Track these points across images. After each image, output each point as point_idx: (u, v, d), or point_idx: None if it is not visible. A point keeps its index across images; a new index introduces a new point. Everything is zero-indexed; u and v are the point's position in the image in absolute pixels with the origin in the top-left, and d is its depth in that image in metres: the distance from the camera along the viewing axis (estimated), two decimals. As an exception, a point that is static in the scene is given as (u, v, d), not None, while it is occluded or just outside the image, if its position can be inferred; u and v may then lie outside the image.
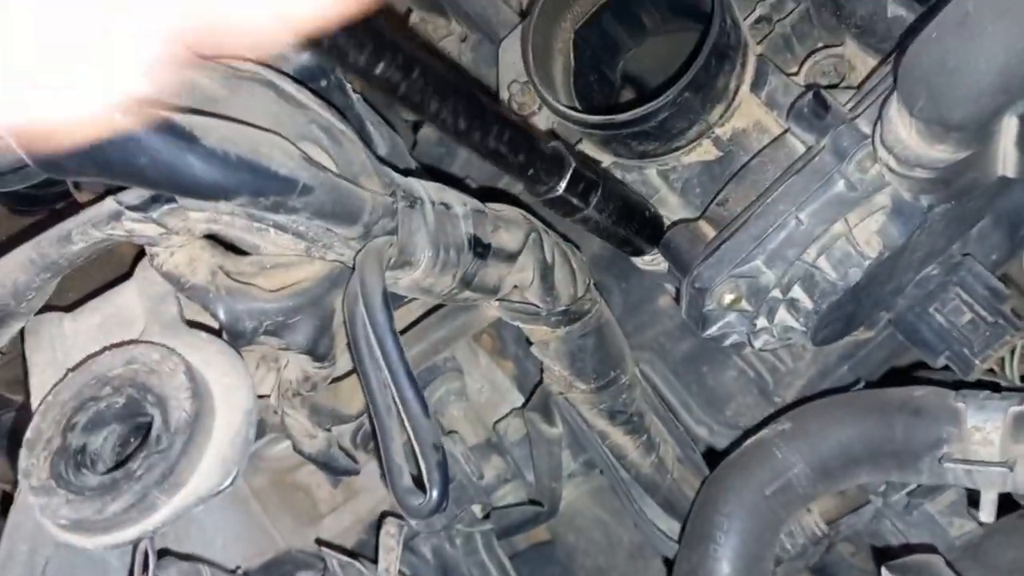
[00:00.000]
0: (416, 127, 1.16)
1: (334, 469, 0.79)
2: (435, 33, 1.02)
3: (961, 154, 0.61)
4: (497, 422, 0.96)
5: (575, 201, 0.74)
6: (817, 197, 0.70)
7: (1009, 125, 0.59)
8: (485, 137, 0.67)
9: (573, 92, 0.85)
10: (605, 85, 0.92)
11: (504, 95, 0.92)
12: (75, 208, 0.71)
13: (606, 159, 0.85)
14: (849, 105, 0.71)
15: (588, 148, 0.85)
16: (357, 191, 0.61)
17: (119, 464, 0.56)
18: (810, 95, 0.72)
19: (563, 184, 0.72)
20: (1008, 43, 0.54)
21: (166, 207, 0.60)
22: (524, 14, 0.98)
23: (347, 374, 0.81)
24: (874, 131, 0.65)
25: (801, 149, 0.74)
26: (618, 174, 0.85)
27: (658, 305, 1.04)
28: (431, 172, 1.07)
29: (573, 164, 0.73)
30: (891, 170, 0.65)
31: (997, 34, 0.54)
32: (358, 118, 0.81)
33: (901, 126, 0.62)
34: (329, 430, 0.79)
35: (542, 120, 0.90)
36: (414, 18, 1.04)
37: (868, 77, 0.75)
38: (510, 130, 0.67)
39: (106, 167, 0.53)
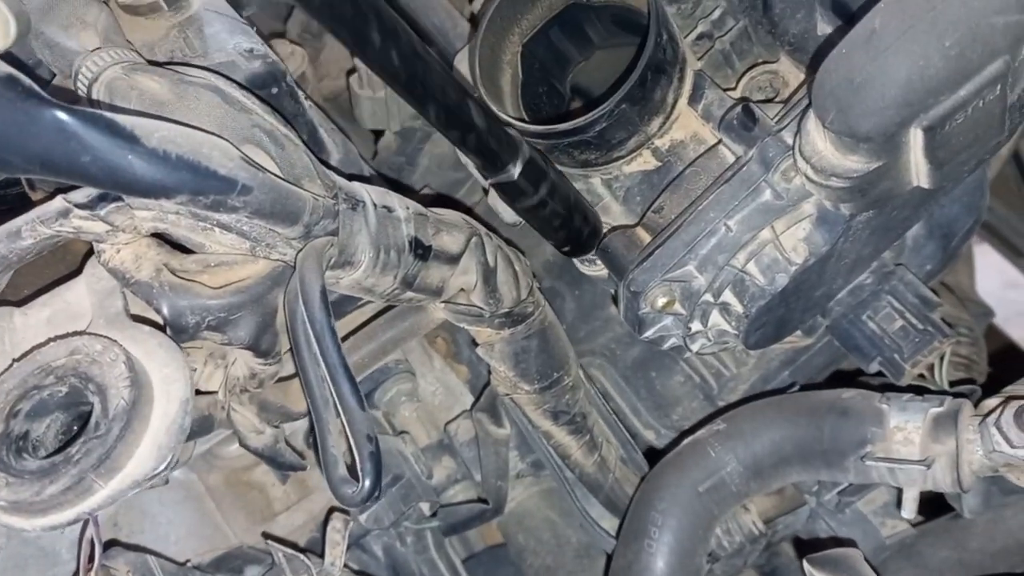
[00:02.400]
0: (377, 136, 1.19)
1: (280, 464, 0.81)
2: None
3: (873, 164, 0.64)
4: (448, 423, 0.99)
5: (525, 187, 0.76)
6: (745, 205, 0.73)
7: (916, 137, 0.62)
8: (451, 109, 0.69)
9: (521, 104, 0.88)
10: (555, 97, 0.95)
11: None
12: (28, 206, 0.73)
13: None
14: (777, 118, 0.75)
15: (535, 157, 0.88)
16: (297, 192, 0.64)
17: (59, 450, 0.59)
18: (739, 108, 0.76)
19: (517, 170, 0.74)
20: (910, 60, 0.57)
21: (112, 205, 0.62)
22: (476, 21, 1.01)
23: (296, 373, 0.83)
24: (794, 142, 0.68)
25: (732, 159, 0.77)
26: (562, 180, 0.88)
27: (609, 312, 1.07)
28: (390, 182, 1.10)
29: (528, 153, 0.75)
30: (810, 179, 0.68)
31: (899, 51, 0.57)
32: (310, 124, 0.84)
33: (817, 138, 0.65)
34: (278, 427, 0.81)
35: None
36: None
37: (795, 91, 0.78)
38: (476, 106, 0.70)
39: (50, 165, 0.55)
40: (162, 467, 0.56)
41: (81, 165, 0.55)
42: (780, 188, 0.72)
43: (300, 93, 0.81)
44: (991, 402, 0.74)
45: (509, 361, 0.86)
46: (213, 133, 0.62)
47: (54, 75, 0.76)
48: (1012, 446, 0.68)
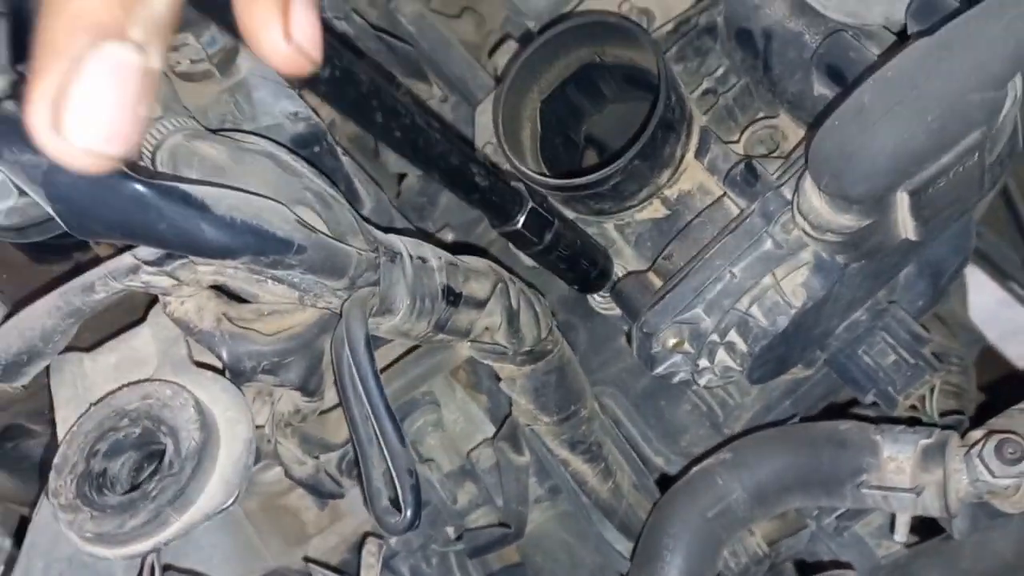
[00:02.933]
0: (400, 179, 1.26)
1: (321, 492, 0.88)
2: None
3: (864, 222, 0.71)
4: (471, 451, 1.05)
5: (530, 235, 0.83)
6: (748, 254, 0.80)
7: (903, 199, 0.69)
8: (454, 172, 0.75)
9: (540, 156, 0.95)
10: (570, 147, 1.02)
11: (479, 155, 1.02)
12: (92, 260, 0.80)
13: (568, 214, 0.94)
14: (777, 174, 0.81)
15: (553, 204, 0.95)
16: (344, 249, 0.71)
17: (135, 486, 0.65)
18: (743, 165, 0.82)
19: (521, 220, 0.81)
20: (896, 133, 0.64)
21: (178, 262, 0.69)
22: (499, 79, 1.08)
23: (333, 407, 0.90)
24: (793, 199, 0.75)
25: (736, 211, 0.84)
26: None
27: (620, 344, 1.14)
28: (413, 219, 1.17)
29: (531, 203, 0.82)
30: (807, 233, 0.75)
31: (887, 125, 0.64)
32: (347, 177, 0.91)
33: (813, 197, 0.72)
34: (317, 457, 0.87)
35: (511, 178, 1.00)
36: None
37: (794, 148, 0.85)
38: (478, 166, 0.76)
39: (129, 232, 0.62)
40: (230, 502, 0.62)
41: (158, 232, 0.62)
42: (780, 239, 0.79)
43: (339, 150, 0.88)
44: (976, 434, 0.80)
45: (530, 395, 0.92)
46: (269, 197, 0.69)
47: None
48: (994, 476, 0.75)
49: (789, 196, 0.78)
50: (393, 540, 0.97)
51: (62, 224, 0.62)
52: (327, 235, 0.71)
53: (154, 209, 0.61)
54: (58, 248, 0.89)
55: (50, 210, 0.62)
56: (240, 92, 0.84)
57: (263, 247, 0.66)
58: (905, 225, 0.73)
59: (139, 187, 0.61)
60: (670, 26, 0.95)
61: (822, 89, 0.86)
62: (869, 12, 0.85)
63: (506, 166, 1.00)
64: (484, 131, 1.04)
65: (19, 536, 1.10)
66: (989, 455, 0.74)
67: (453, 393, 1.11)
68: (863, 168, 0.65)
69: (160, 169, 0.72)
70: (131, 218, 0.61)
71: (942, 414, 0.96)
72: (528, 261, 0.94)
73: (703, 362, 0.86)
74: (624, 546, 1.01)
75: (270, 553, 1.00)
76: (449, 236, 1.19)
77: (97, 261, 0.84)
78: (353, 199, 0.92)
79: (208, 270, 0.69)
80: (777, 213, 0.78)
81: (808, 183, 0.71)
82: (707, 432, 1.08)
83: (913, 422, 0.89)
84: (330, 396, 0.81)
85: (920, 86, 0.64)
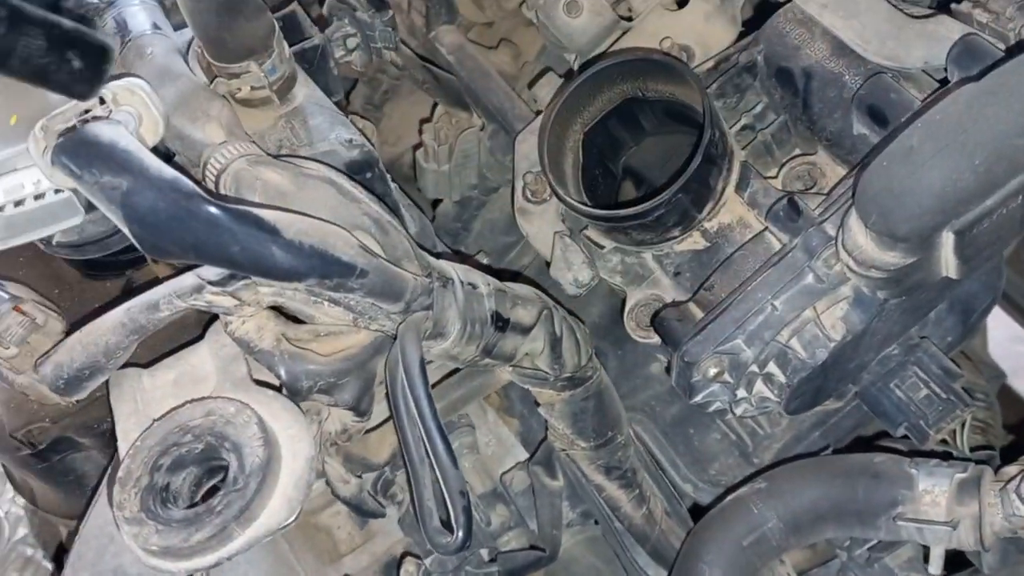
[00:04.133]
0: (435, 204, 1.28)
1: (363, 511, 0.89)
2: (458, 125, 1.15)
3: (908, 260, 0.73)
4: (504, 474, 1.06)
5: None
6: (790, 287, 0.82)
7: (947, 238, 0.71)
8: None
9: (581, 185, 0.97)
10: (609, 178, 1.04)
11: (519, 183, 1.04)
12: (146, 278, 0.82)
13: (608, 244, 0.96)
14: (818, 210, 0.84)
15: (593, 234, 0.97)
16: (402, 274, 0.73)
17: (195, 501, 0.67)
18: (785, 200, 0.85)
19: None
20: (944, 174, 0.67)
21: (241, 283, 0.71)
22: (538, 111, 1.10)
23: (374, 427, 0.91)
24: (837, 236, 0.77)
25: (777, 245, 0.86)
26: (618, 257, 0.97)
27: (650, 371, 1.16)
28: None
29: None
30: (851, 269, 0.77)
31: (935, 167, 0.67)
32: (394, 202, 0.93)
33: (859, 234, 0.74)
34: (360, 476, 0.89)
35: (552, 207, 1.02)
36: (439, 111, 1.17)
37: (836, 186, 0.87)
38: None
39: (203, 253, 0.64)
40: (292, 518, 0.64)
41: (230, 254, 0.64)
42: (822, 273, 0.81)
43: (388, 176, 0.91)
44: (1010, 470, 0.82)
45: (568, 420, 0.94)
46: (331, 222, 0.71)
47: (172, 154, 0.85)
48: (1030, 511, 0.76)
49: (831, 232, 0.80)
50: (427, 561, 0.98)
51: (136, 244, 0.65)
52: (386, 260, 0.73)
53: (228, 232, 0.64)
54: (112, 265, 0.91)
55: (126, 231, 0.64)
56: (297, 118, 0.86)
57: (328, 271, 0.68)
58: (948, 263, 0.75)
59: (214, 210, 0.63)
60: (710, 63, 0.98)
61: (862, 129, 0.88)
62: (909, 56, 0.87)
63: (545, 195, 1.03)
64: (524, 160, 1.06)
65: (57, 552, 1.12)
66: (1026, 490, 0.76)
67: (485, 416, 1.12)
68: (911, 207, 0.67)
69: (224, 192, 0.75)
70: (205, 240, 0.63)
71: (972, 449, 0.98)
72: (569, 289, 0.96)
73: (741, 392, 0.87)
74: (655, 572, 1.02)
75: (304, 570, 1.02)
76: (484, 260, 1.21)
77: (151, 278, 0.86)
78: (398, 218, 0.94)
79: (268, 291, 0.71)
80: (819, 248, 0.80)
81: (854, 220, 0.73)
82: (736, 461, 1.09)
83: (945, 456, 0.90)
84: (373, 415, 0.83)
85: (968, 130, 0.66)
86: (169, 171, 0.63)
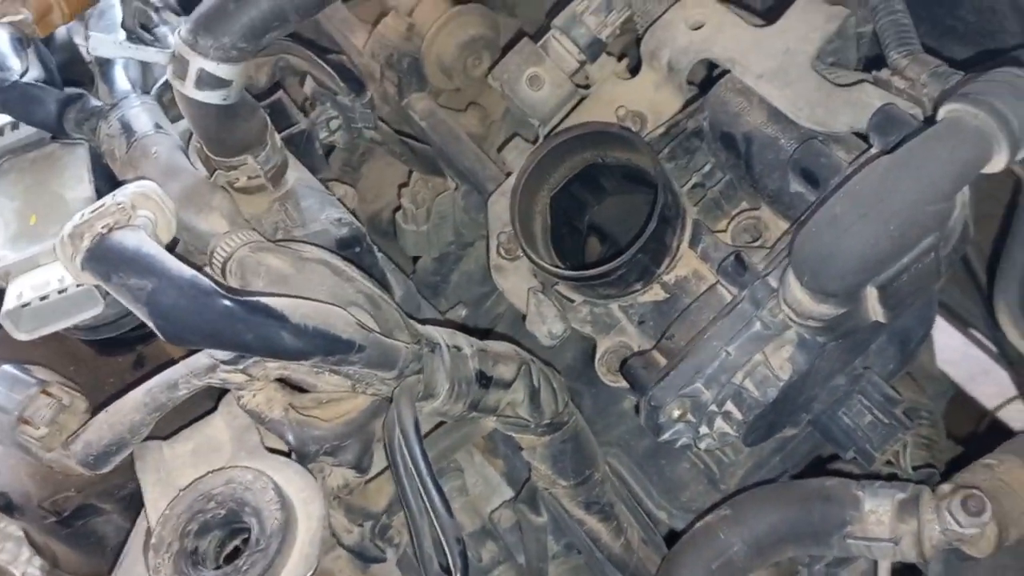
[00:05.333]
0: (415, 260, 1.37)
1: (366, 558, 0.97)
2: (433, 189, 1.24)
3: (840, 311, 0.83)
4: (492, 512, 1.15)
5: None
6: (740, 335, 0.91)
7: (871, 292, 0.81)
8: None
9: (550, 245, 1.07)
10: (575, 234, 1.14)
11: (493, 242, 1.13)
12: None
13: (578, 298, 1.06)
14: (762, 265, 0.93)
15: (563, 289, 1.06)
16: (395, 345, 0.82)
17: (222, 561, 0.75)
18: (733, 257, 0.94)
19: None
20: (864, 239, 0.77)
21: (251, 361, 0.79)
22: (507, 173, 1.20)
23: (372, 478, 1.00)
24: (779, 291, 0.87)
25: (728, 297, 0.96)
26: (587, 309, 1.07)
27: (622, 407, 1.25)
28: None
29: None
30: (792, 320, 0.87)
31: (857, 233, 0.77)
32: (380, 271, 1.02)
33: (796, 290, 0.84)
34: (361, 525, 0.97)
35: (524, 263, 1.11)
36: (415, 177, 1.26)
37: (777, 241, 0.97)
38: None
39: (220, 341, 0.73)
40: (309, 573, 0.72)
41: (245, 342, 0.73)
42: (768, 321, 0.91)
43: (375, 248, 0.99)
44: (945, 488, 0.91)
45: (548, 461, 1.03)
46: (330, 303, 0.80)
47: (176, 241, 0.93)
48: (961, 527, 0.86)
49: (774, 284, 0.90)
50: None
51: (160, 335, 0.73)
52: (379, 333, 0.82)
53: (242, 322, 0.72)
54: (124, 341, 0.99)
55: (151, 324, 0.72)
56: (290, 201, 0.95)
57: (331, 349, 0.76)
58: (875, 311, 0.85)
59: (228, 303, 0.72)
60: (662, 128, 1.08)
61: (798, 188, 0.98)
62: (836, 122, 0.98)
63: (517, 253, 1.12)
64: (497, 220, 1.15)
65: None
66: (956, 508, 0.86)
67: (472, 459, 1.21)
68: (837, 269, 0.77)
69: (230, 279, 0.83)
70: (222, 330, 0.72)
71: (915, 467, 1.08)
72: (544, 341, 1.05)
73: (703, 429, 0.97)
74: (635, 596, 1.11)
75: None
76: (462, 312, 1.30)
77: (160, 353, 0.94)
78: (384, 288, 1.03)
79: (275, 366, 0.80)
80: (764, 300, 0.90)
81: (792, 278, 0.83)
82: (705, 488, 1.19)
83: (890, 477, 1.00)
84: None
85: (884, 199, 0.76)
86: (188, 271, 0.72)
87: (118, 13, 0.98)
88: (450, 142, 1.28)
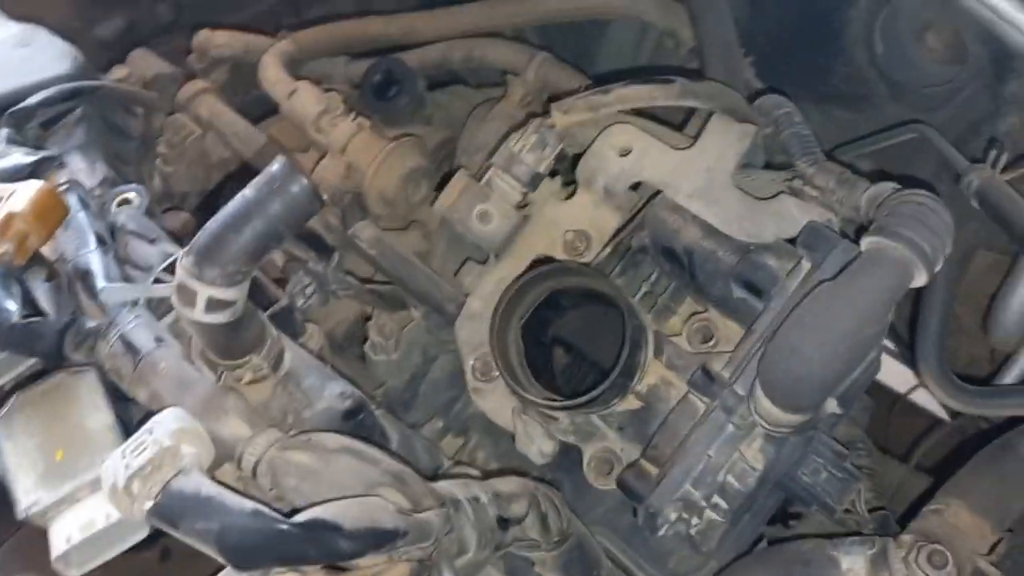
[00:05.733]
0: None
1: None
2: (399, 320, 1.31)
3: (805, 417, 0.96)
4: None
5: None
6: (718, 439, 1.04)
7: (831, 402, 0.94)
8: None
9: (527, 369, 1.16)
10: (541, 347, 1.23)
11: (468, 366, 1.21)
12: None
13: (560, 415, 1.15)
14: (726, 373, 1.05)
15: (545, 408, 1.16)
16: (429, 519, 0.89)
17: None
18: (700, 370, 1.06)
19: None
20: (823, 365, 0.89)
21: (302, 561, 0.85)
22: (465, 294, 1.27)
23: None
24: (748, 403, 0.99)
25: (700, 406, 1.07)
26: (568, 420, 1.16)
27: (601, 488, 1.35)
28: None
29: None
30: (763, 427, 0.99)
31: (816, 361, 0.89)
32: (381, 427, 1.08)
33: (768, 405, 0.96)
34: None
35: (501, 383, 1.19)
36: (379, 316, 1.32)
37: (736, 348, 1.08)
38: None
39: (287, 562, 0.79)
40: None
41: (308, 557, 0.79)
42: (739, 424, 1.03)
43: (375, 410, 1.06)
44: (906, 539, 1.06)
45: (561, 571, 1.12)
46: (364, 493, 0.86)
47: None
48: (928, 577, 1.01)
49: (741, 392, 1.02)
50: None
51: (228, 566, 0.78)
52: (413, 510, 0.89)
53: (304, 541, 0.78)
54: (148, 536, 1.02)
55: (221, 559, 0.77)
56: (291, 383, 1.00)
57: (381, 542, 0.83)
58: (832, 408, 0.98)
59: (288, 528, 0.78)
60: (609, 249, 1.19)
61: (740, 295, 1.11)
62: (763, 232, 1.11)
63: (493, 374, 1.20)
64: (466, 345, 1.23)
65: None
66: (923, 563, 1.00)
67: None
68: (805, 392, 0.91)
69: (261, 480, 0.89)
70: (288, 552, 0.78)
71: (870, 510, 1.23)
72: (536, 460, 1.14)
73: (694, 521, 1.08)
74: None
75: None
76: (439, 424, 1.37)
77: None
78: (384, 440, 1.10)
79: (323, 559, 0.86)
80: (735, 407, 1.02)
81: (761, 395, 0.96)
82: (689, 552, 1.30)
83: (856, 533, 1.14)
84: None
85: (832, 329, 0.89)
86: (248, 504, 0.77)
87: (85, 226, 1.01)
88: (401, 267, 1.35)
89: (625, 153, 1.18)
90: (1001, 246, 1.40)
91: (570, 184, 1.27)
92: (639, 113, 1.23)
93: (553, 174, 1.28)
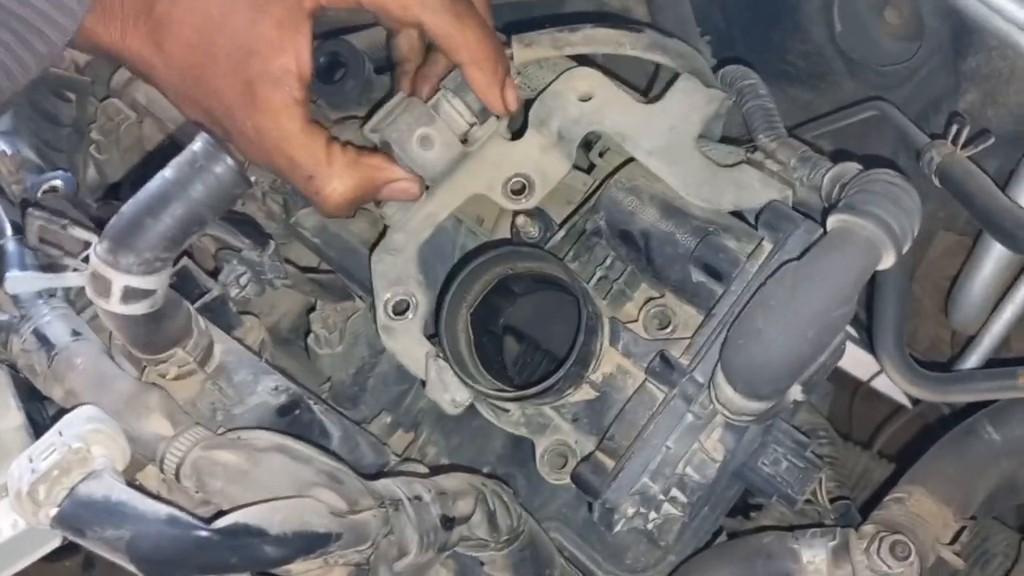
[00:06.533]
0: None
1: None
2: (343, 311, 1.24)
3: (768, 404, 0.91)
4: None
5: None
6: (677, 430, 0.99)
7: (795, 387, 0.90)
8: None
9: (476, 358, 1.10)
10: (493, 338, 1.18)
11: (380, 302, 1.14)
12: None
13: (511, 406, 1.10)
14: (685, 360, 1.00)
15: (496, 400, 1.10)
16: (366, 520, 0.83)
17: None
18: (659, 358, 1.01)
19: None
20: (788, 349, 0.85)
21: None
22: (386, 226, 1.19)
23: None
24: (709, 390, 0.94)
25: (659, 394, 1.02)
26: (519, 412, 1.11)
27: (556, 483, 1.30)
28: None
29: None
30: (725, 415, 0.95)
31: (781, 344, 0.85)
32: (320, 423, 1.02)
33: (728, 392, 0.91)
34: None
35: (415, 324, 1.12)
36: (321, 303, 1.26)
37: (695, 335, 1.03)
38: None
39: (207, 572, 0.72)
40: None
41: (230, 565, 0.73)
42: (699, 413, 0.98)
43: (312, 404, 0.99)
44: (867, 529, 1.02)
45: (511, 571, 1.07)
46: (295, 494, 0.80)
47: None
48: (891, 569, 0.97)
49: (701, 380, 0.97)
50: None
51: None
52: (349, 511, 0.83)
53: (224, 548, 0.72)
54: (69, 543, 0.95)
55: (133, 570, 0.71)
56: (221, 378, 0.94)
57: (311, 546, 0.77)
58: (795, 394, 0.94)
59: (207, 534, 0.72)
60: (562, 233, 1.13)
61: (699, 277, 1.06)
62: (721, 200, 1.06)
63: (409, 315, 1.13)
64: (382, 279, 1.14)
65: None
66: (886, 554, 0.96)
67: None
68: (768, 378, 0.86)
69: (185, 482, 0.82)
70: (207, 561, 0.72)
71: (831, 500, 1.19)
72: (448, 409, 1.07)
73: (652, 515, 1.04)
74: (606, 671, 1.17)
75: None
76: (387, 419, 1.31)
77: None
78: (324, 437, 1.03)
79: (253, 566, 0.80)
80: (694, 395, 0.97)
81: (723, 381, 0.91)
82: (646, 547, 1.25)
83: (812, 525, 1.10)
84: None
85: (798, 312, 0.85)
86: (162, 509, 0.71)
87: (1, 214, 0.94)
88: (346, 256, 1.29)
89: (586, 99, 1.12)
90: (961, 227, 1.37)
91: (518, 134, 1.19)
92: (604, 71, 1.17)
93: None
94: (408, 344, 1.12)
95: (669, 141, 1.09)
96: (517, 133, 1.18)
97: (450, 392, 1.08)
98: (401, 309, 1.12)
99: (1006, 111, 1.20)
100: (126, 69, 1.20)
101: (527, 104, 1.17)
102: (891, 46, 1.40)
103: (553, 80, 1.16)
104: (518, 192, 1.13)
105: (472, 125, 1.15)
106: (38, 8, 0.89)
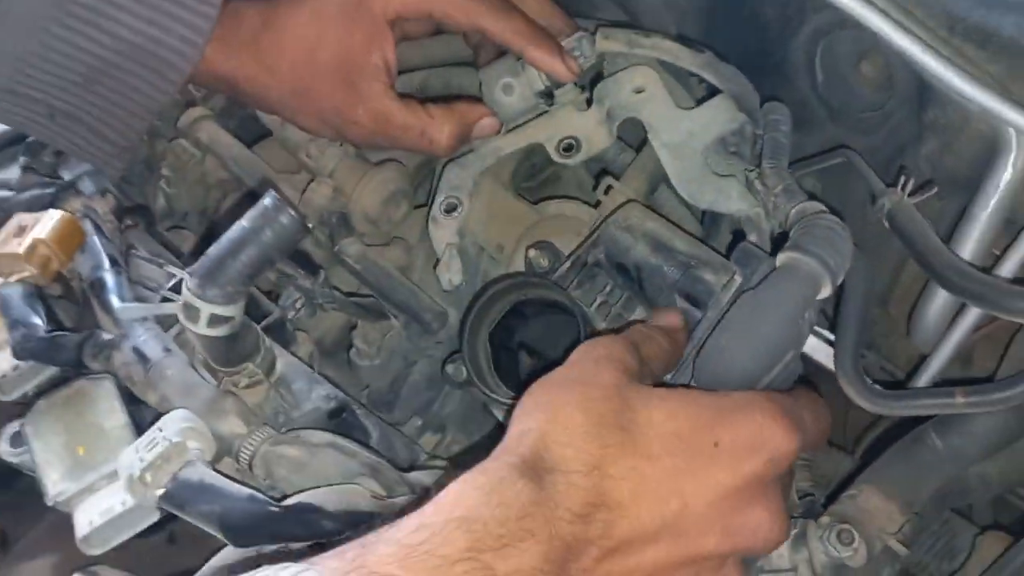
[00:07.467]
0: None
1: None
2: (381, 329, 1.44)
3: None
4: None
5: None
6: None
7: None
8: None
9: (494, 371, 1.29)
10: (510, 354, 1.37)
11: (439, 200, 1.39)
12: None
13: (523, 412, 1.29)
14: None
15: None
16: (402, 504, 1.02)
17: None
18: (644, 373, 1.20)
19: None
20: (747, 362, 1.03)
21: (292, 540, 0.99)
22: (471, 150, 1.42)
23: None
24: (685, 401, 1.13)
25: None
26: (531, 418, 1.30)
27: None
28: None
29: None
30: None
31: (741, 359, 1.03)
32: (362, 425, 1.22)
33: (698, 403, 1.10)
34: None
35: (455, 222, 1.38)
36: (362, 326, 1.46)
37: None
38: None
39: (278, 539, 0.92)
40: None
41: (296, 535, 0.93)
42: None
43: (355, 409, 1.20)
44: (825, 520, 1.20)
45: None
46: (344, 482, 1.00)
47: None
48: (840, 553, 1.14)
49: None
50: None
51: (228, 542, 0.92)
52: (387, 496, 1.03)
53: (291, 522, 0.92)
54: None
55: (224, 538, 0.91)
56: (282, 387, 1.14)
57: (358, 522, 0.97)
58: (760, 399, 1.12)
59: (279, 511, 0.92)
60: (568, 263, 1.32)
61: (683, 305, 1.24)
62: (702, 198, 1.27)
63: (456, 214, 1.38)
64: (447, 184, 1.39)
65: None
66: (834, 540, 1.14)
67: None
68: (733, 386, 1.04)
69: (256, 472, 1.02)
70: (279, 531, 0.92)
71: (801, 497, 1.37)
72: (445, 285, 1.33)
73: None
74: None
75: None
76: (418, 422, 1.51)
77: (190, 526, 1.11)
78: (365, 436, 1.23)
79: (310, 539, 1.00)
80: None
81: (694, 394, 1.09)
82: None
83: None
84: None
85: (755, 331, 1.04)
86: (244, 490, 0.91)
87: (99, 249, 1.15)
88: (384, 280, 1.49)
89: (639, 91, 1.34)
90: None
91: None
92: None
93: (583, 88, 1.41)
94: (443, 235, 1.37)
95: (683, 141, 1.31)
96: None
97: (450, 274, 1.34)
98: (451, 207, 1.37)
99: (960, 159, 1.35)
100: (236, 95, 1.41)
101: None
102: (867, 95, 1.56)
103: (620, 70, 1.40)
104: (567, 150, 1.37)
105: (547, 87, 1.37)
106: (169, 45, 1.13)
